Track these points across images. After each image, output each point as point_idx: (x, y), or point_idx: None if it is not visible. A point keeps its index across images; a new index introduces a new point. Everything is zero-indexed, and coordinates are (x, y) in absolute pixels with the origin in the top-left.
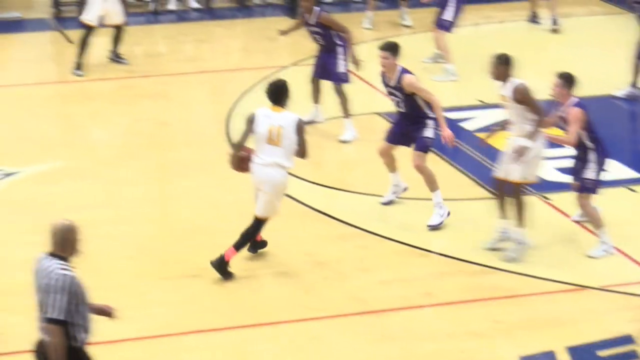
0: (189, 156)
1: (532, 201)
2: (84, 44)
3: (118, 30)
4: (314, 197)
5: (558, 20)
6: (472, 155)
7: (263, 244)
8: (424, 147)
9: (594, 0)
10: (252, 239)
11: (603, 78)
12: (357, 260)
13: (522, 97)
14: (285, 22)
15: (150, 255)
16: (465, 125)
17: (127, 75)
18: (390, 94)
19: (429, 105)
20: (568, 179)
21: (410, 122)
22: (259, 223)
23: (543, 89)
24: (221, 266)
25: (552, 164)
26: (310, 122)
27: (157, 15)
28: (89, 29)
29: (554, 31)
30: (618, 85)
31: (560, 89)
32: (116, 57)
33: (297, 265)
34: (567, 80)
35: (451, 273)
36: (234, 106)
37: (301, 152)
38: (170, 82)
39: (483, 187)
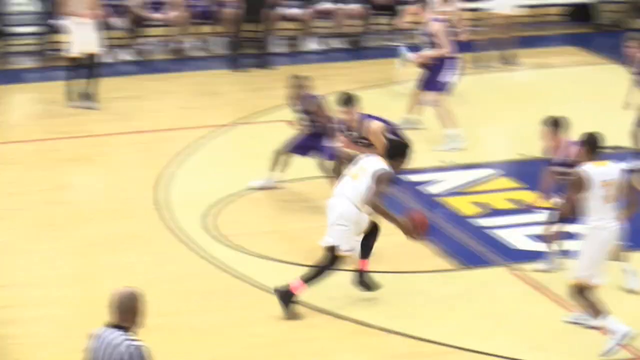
0: (117, 228)
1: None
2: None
3: (91, 62)
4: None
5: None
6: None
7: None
8: None
9: (571, 50)
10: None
11: None
12: (308, 343)
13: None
14: (228, 75)
15: (76, 344)
16: (431, 188)
17: (48, 137)
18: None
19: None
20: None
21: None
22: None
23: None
24: (285, 297)
25: (522, 230)
26: (262, 188)
27: None
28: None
29: None
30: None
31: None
32: (86, 100)
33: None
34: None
35: (408, 355)
36: (164, 170)
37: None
38: (97, 144)
39: (444, 258)
